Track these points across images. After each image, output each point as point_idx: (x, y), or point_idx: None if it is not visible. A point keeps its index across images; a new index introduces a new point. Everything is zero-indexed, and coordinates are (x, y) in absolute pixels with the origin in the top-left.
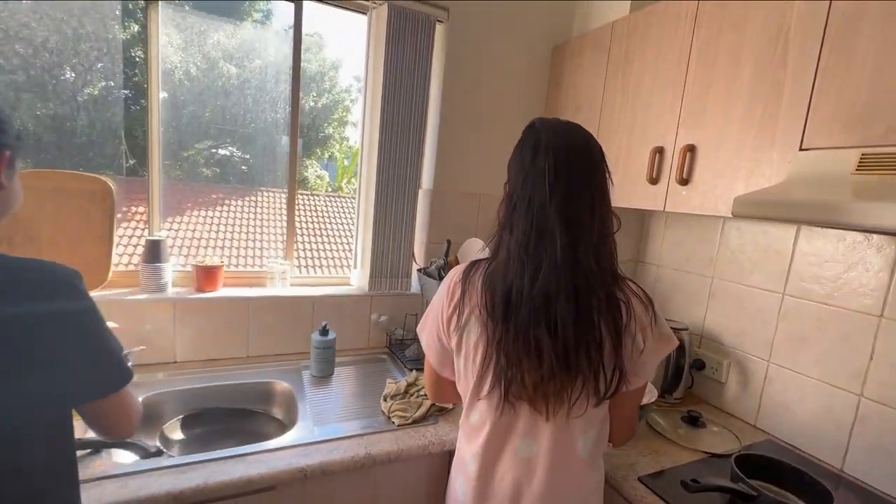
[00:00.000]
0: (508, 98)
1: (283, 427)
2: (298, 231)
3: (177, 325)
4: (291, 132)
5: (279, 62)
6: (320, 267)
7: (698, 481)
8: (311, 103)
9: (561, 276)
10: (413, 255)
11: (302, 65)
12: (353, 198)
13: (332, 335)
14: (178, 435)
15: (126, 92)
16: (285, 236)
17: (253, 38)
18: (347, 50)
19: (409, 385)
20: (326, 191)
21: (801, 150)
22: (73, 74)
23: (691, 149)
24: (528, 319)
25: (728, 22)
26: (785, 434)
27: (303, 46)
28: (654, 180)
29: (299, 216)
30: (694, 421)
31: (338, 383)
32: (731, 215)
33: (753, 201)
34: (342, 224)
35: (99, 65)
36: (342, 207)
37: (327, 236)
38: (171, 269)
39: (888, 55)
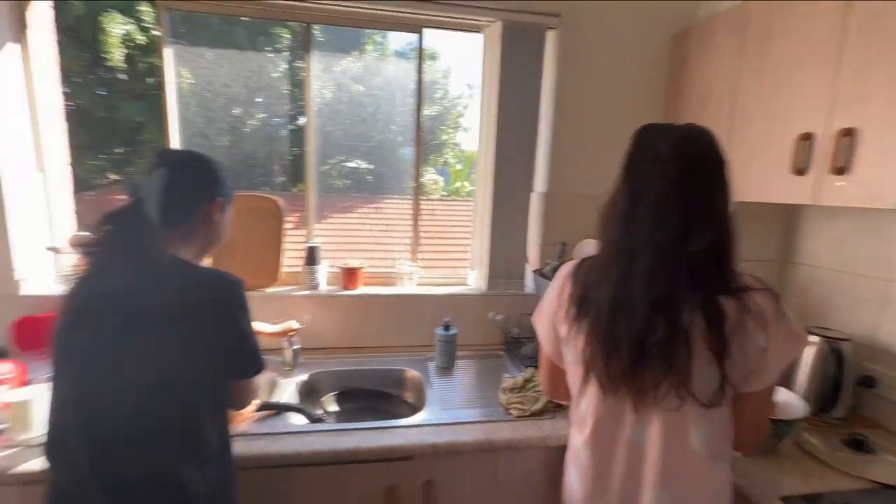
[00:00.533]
0: (624, 94)
1: (414, 409)
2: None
3: (329, 317)
4: (417, 144)
5: (398, 79)
6: (440, 268)
7: None
8: (426, 112)
9: (648, 276)
10: (527, 258)
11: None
12: (466, 200)
13: (453, 331)
14: (333, 407)
15: (278, 120)
16: (410, 240)
17: (373, 62)
18: (458, 59)
19: (526, 381)
20: (441, 195)
21: None
22: (240, 111)
23: (849, 132)
24: (609, 315)
25: None
26: None
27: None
28: (800, 171)
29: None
30: (859, 445)
31: (459, 375)
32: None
33: None
34: (457, 226)
35: (258, 100)
36: (456, 210)
37: (445, 238)
38: (324, 270)
39: None
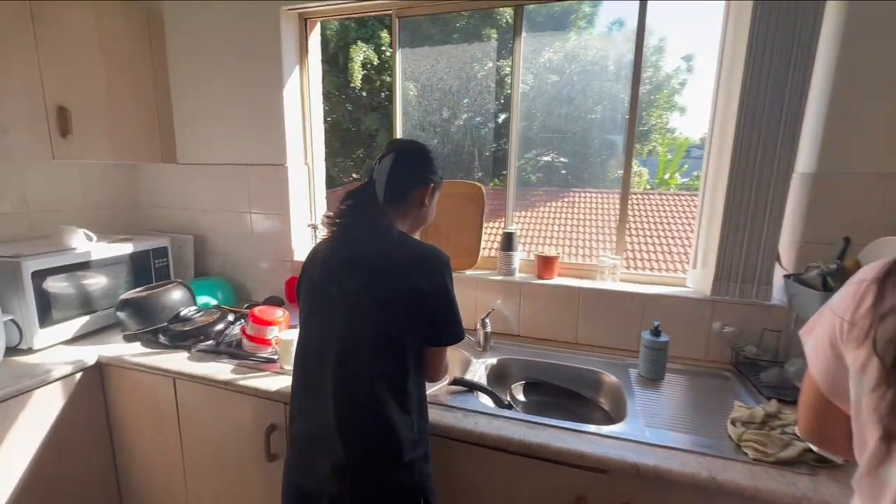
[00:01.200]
0: None
1: (610, 418)
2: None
3: (521, 304)
4: (630, 126)
5: (604, 61)
6: (647, 261)
7: None
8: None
9: None
10: (778, 258)
11: (624, 56)
12: (678, 195)
13: (664, 337)
14: (521, 396)
15: (479, 119)
16: (614, 233)
17: (578, 45)
18: (673, 30)
19: (769, 416)
20: (645, 188)
21: None
22: (448, 112)
23: None
24: None
25: None
26: None
27: (620, 34)
28: None
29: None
30: None
31: (668, 389)
32: None
33: None
34: (666, 223)
35: (465, 101)
36: (667, 205)
37: (652, 234)
38: (519, 257)
39: None
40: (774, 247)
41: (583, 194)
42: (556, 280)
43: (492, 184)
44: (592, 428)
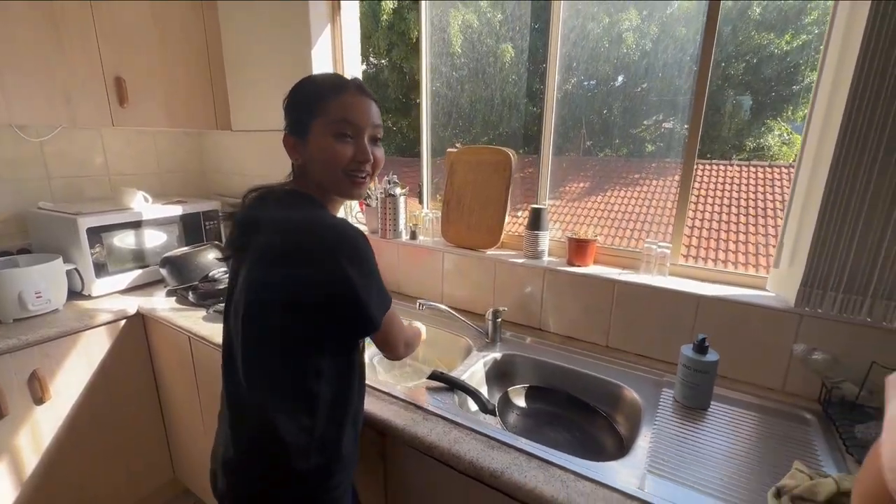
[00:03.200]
0: None
1: (621, 445)
2: (705, 211)
3: (545, 294)
4: (700, 83)
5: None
6: (724, 261)
7: None
8: (774, 49)
9: None
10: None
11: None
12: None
13: (713, 356)
14: (519, 401)
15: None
16: (673, 216)
17: None
18: None
19: (841, 494)
20: (794, 160)
21: None
22: (497, 64)
23: None
24: None
25: None
26: None
27: None
28: None
29: (727, 193)
30: None
31: (710, 426)
32: None
33: None
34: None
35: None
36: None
37: (732, 217)
38: (548, 237)
39: None
40: (890, 248)
41: (708, 167)
42: (590, 269)
43: (602, 154)
44: (565, 461)
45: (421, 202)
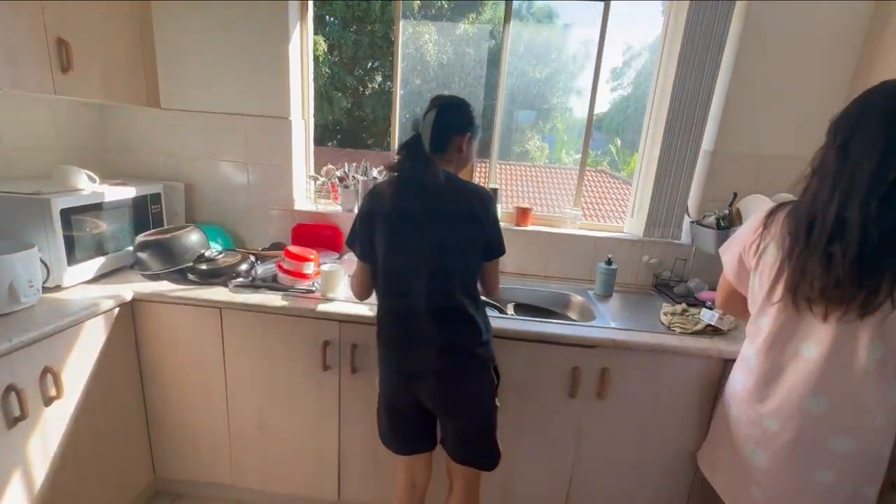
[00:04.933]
0: (809, 60)
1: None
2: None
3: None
4: (588, 119)
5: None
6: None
7: None
8: (537, 75)
9: (857, 218)
10: (686, 209)
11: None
12: (571, 169)
13: (615, 266)
14: (513, 314)
15: (389, 84)
16: (574, 192)
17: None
18: (576, 16)
19: (684, 310)
20: (545, 163)
21: None
22: (362, 71)
23: None
24: (824, 239)
25: None
26: None
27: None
28: None
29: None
30: None
31: (617, 302)
32: None
33: None
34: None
35: (375, 63)
36: (556, 178)
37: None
38: (501, 208)
39: None
40: (685, 202)
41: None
42: (531, 227)
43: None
44: (579, 323)
45: None
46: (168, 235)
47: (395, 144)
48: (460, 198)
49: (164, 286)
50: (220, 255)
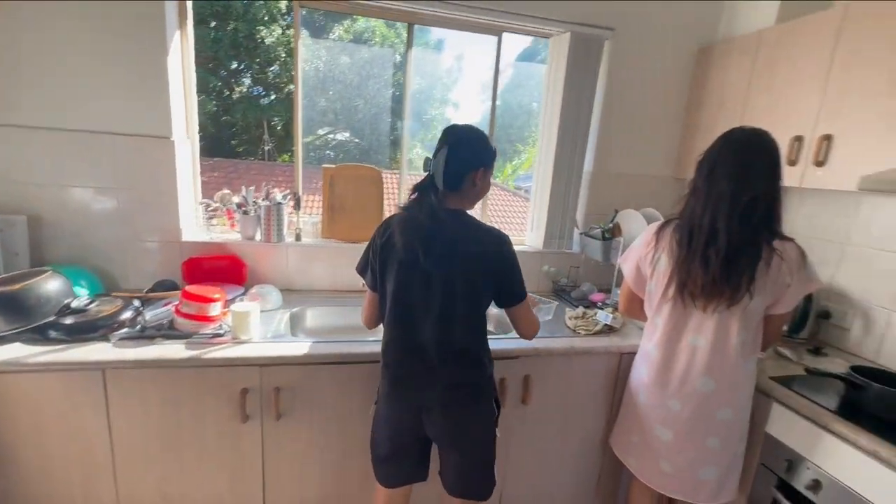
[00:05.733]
0: (656, 96)
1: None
2: None
3: None
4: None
5: (384, 52)
6: None
7: (817, 371)
8: (415, 86)
9: (724, 228)
10: (576, 223)
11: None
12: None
13: None
14: None
15: (259, 88)
16: (480, 208)
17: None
18: (448, 32)
19: (584, 313)
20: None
21: None
22: (225, 72)
23: (828, 137)
24: (702, 245)
25: (867, 34)
26: None
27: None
28: (792, 162)
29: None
30: (817, 351)
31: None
32: (858, 189)
33: (883, 180)
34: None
35: (240, 65)
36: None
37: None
38: None
39: None
40: (574, 216)
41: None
42: None
43: (280, 159)
44: (507, 336)
45: (297, 208)
46: (17, 286)
47: (299, 158)
48: (472, 241)
49: (17, 351)
50: (93, 304)
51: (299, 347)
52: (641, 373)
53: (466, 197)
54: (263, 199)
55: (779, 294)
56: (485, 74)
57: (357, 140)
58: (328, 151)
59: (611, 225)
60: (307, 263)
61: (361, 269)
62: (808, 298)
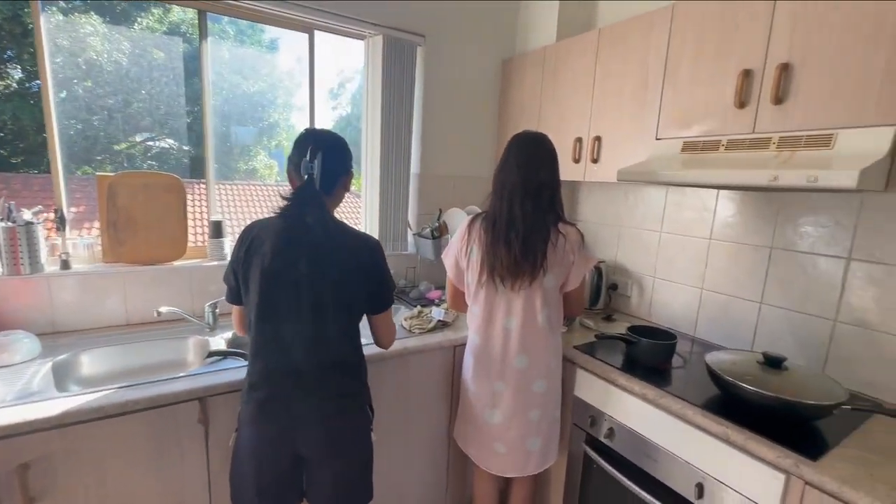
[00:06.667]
0: (471, 102)
1: None
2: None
3: None
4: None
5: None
6: None
7: (605, 335)
8: (250, 88)
9: (519, 213)
10: (408, 224)
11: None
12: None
13: None
14: None
15: (38, 83)
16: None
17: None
18: (284, 32)
19: (420, 312)
20: (276, 180)
21: (656, 139)
22: None
23: (598, 139)
24: (504, 230)
25: (616, 54)
26: (665, 320)
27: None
28: (576, 160)
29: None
30: (608, 318)
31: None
32: (616, 180)
33: (627, 171)
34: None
35: (5, 55)
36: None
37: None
38: (229, 243)
39: (694, 85)
40: (406, 217)
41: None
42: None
43: (82, 171)
44: None
45: (61, 229)
46: None
47: (58, 164)
48: (346, 247)
49: None
50: None
51: (58, 405)
52: (469, 362)
53: (335, 202)
54: (2, 220)
55: (566, 271)
56: (332, 81)
57: (187, 148)
58: (151, 161)
59: (437, 224)
60: (84, 296)
61: (225, 281)
62: (599, 274)
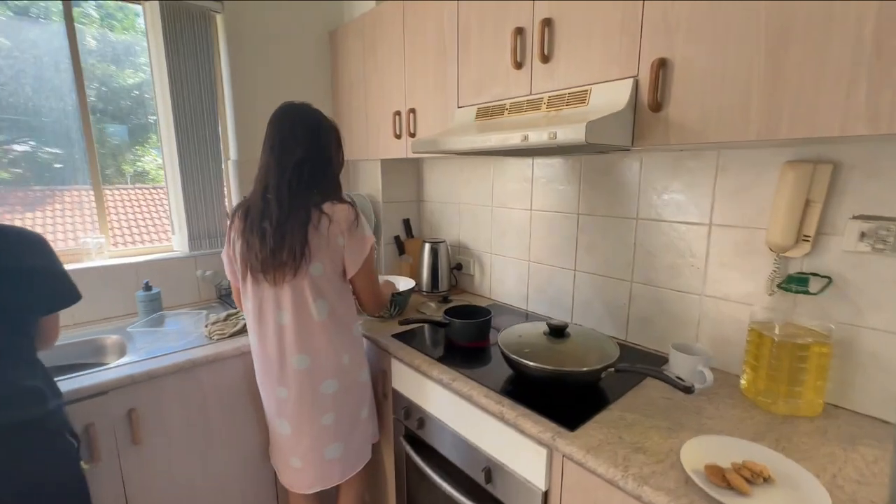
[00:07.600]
0: (297, 79)
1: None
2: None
3: None
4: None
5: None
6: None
7: (410, 320)
8: (120, 83)
9: (273, 198)
10: (227, 216)
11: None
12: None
13: (156, 290)
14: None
15: None
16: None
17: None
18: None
19: (229, 315)
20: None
21: (458, 107)
22: None
23: (413, 111)
24: (257, 219)
25: (418, 22)
26: (503, 297)
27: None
28: (397, 135)
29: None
30: (445, 300)
31: (166, 328)
32: (414, 154)
33: (418, 142)
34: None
35: None
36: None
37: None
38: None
39: (483, 50)
40: (223, 209)
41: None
42: None
43: None
44: (97, 369)
45: None
46: None
47: None
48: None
49: None
50: None
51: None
52: (256, 368)
53: None
54: None
55: (339, 256)
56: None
57: (57, 151)
58: (15, 168)
59: None
60: None
61: None
62: (435, 255)
